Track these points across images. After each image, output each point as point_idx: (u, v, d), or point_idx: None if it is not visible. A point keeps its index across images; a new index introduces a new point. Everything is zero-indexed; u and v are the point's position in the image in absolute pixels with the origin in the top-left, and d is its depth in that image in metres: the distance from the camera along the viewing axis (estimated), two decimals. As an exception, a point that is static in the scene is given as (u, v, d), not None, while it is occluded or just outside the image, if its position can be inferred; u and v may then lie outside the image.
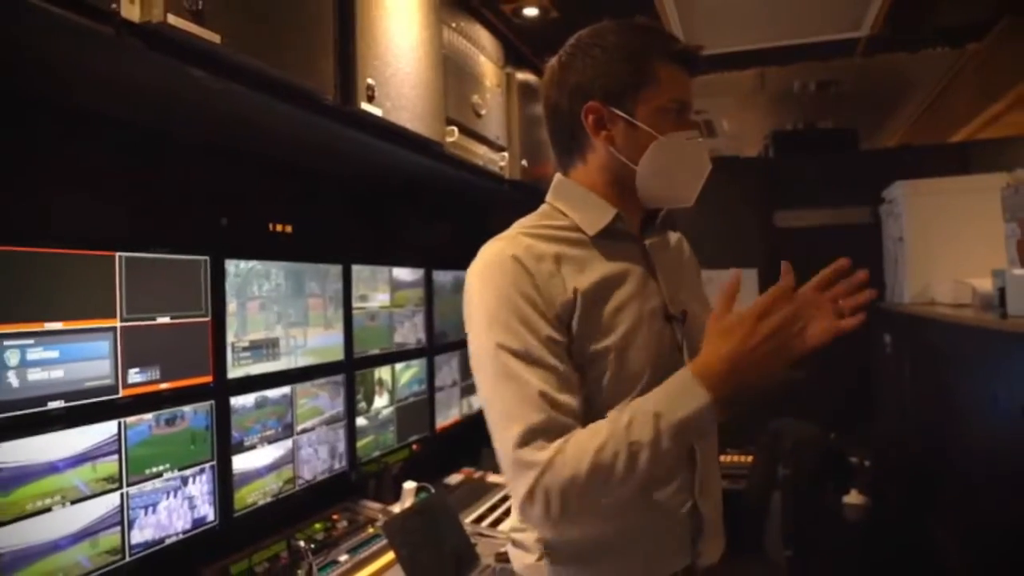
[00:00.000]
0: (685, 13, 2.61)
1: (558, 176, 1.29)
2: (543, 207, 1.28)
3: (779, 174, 3.64)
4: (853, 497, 2.61)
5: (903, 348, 2.77)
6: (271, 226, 2.09)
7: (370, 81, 1.68)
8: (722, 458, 1.62)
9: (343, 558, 1.90)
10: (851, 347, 3.14)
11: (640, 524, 1.15)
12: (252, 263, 1.95)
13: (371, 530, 2.08)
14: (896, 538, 2.51)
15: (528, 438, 1.02)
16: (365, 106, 1.66)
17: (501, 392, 1.06)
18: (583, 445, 1.01)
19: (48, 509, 1.39)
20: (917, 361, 2.56)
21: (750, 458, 2.84)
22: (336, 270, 2.31)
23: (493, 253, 1.14)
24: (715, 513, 1.25)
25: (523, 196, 2.81)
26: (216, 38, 1.22)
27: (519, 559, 1.21)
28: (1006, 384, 1.65)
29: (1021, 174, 2.18)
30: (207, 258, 1.81)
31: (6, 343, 1.33)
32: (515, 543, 1.24)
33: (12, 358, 1.34)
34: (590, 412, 1.09)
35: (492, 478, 2.70)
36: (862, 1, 2.60)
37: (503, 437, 1.05)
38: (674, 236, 1.39)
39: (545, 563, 1.17)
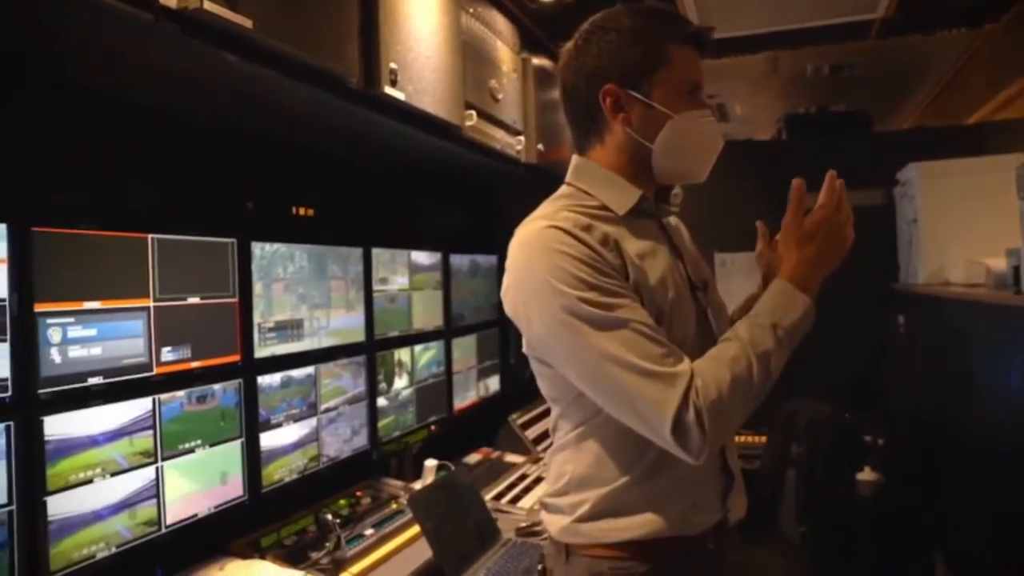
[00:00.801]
0: (701, 1, 2.62)
1: (577, 157, 1.32)
2: (565, 188, 1.31)
3: (792, 157, 3.65)
4: (867, 474, 2.64)
5: (917, 328, 2.79)
6: (294, 210, 2.14)
7: (393, 65, 1.71)
8: (736, 438, 1.64)
9: (368, 532, 1.96)
10: (864, 327, 3.18)
11: (682, 477, 1.16)
12: (277, 246, 2.00)
13: (394, 506, 2.14)
14: (909, 515, 2.55)
15: (655, 363, 1.05)
16: (388, 90, 1.69)
17: (603, 344, 1.06)
18: (716, 362, 1.08)
19: (90, 480, 1.45)
20: (931, 341, 2.59)
21: (763, 439, 2.87)
22: (357, 253, 2.36)
23: (537, 229, 1.15)
24: (738, 470, 1.30)
25: (539, 180, 2.83)
26: (248, 23, 1.26)
27: (554, 523, 1.25)
28: (1020, 360, 1.68)
29: (1036, 154, 2.19)
30: (234, 240, 1.86)
31: (49, 321, 1.39)
32: (548, 508, 1.28)
33: (55, 335, 1.40)
34: None
35: (509, 458, 2.75)
36: (877, -18, 2.61)
37: (626, 378, 1.05)
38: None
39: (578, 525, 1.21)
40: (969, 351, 2.17)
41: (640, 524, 1.17)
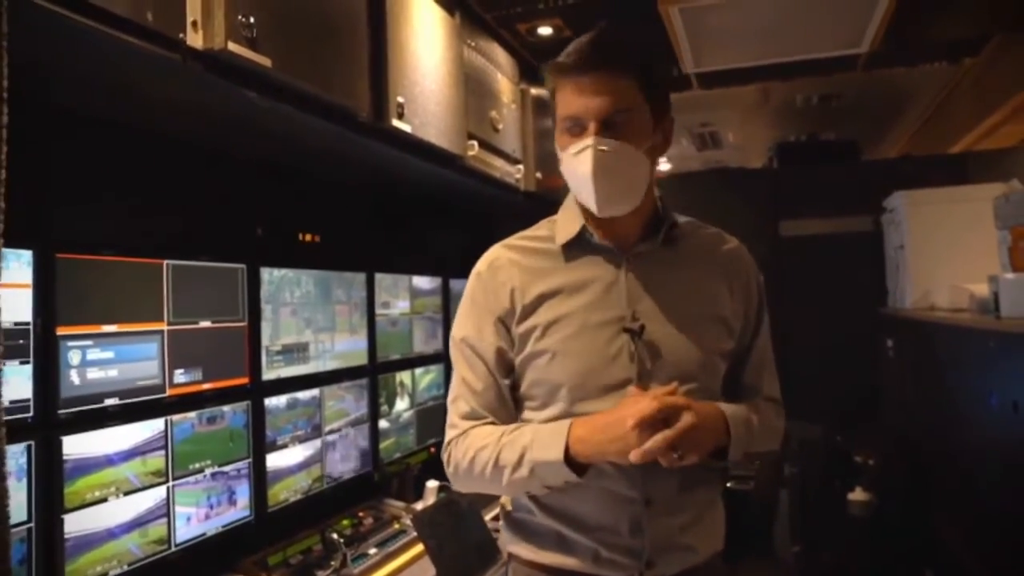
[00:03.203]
0: (692, 32, 2.72)
1: None
2: (550, 216, 1.37)
3: (784, 185, 3.74)
4: (858, 494, 2.69)
5: (905, 351, 2.86)
6: (301, 236, 2.20)
7: (400, 99, 1.79)
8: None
9: (372, 551, 2.00)
10: (855, 350, 3.25)
11: (584, 513, 1.22)
12: (284, 271, 2.06)
13: (396, 526, 2.17)
14: (901, 533, 2.59)
15: (456, 412, 1.29)
16: (396, 122, 1.77)
17: (455, 373, 1.32)
18: (475, 440, 1.23)
19: (105, 499, 1.49)
20: (918, 363, 2.66)
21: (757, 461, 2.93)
22: (360, 278, 2.42)
23: (478, 261, 1.34)
24: (677, 531, 1.22)
25: (536, 206, 2.91)
26: (268, 62, 1.33)
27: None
28: (1000, 382, 1.75)
29: (1015, 185, 2.28)
30: (244, 266, 1.92)
31: (70, 344, 1.44)
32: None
33: (74, 358, 1.45)
34: (531, 400, 1.27)
35: (508, 479, 2.78)
36: (862, 19, 2.71)
37: (449, 404, 1.32)
38: (698, 245, 1.31)
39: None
40: (955, 373, 2.24)
41: (536, 549, 1.26)
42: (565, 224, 1.29)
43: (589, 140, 1.16)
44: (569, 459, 1.15)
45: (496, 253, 1.32)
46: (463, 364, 1.30)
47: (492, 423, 1.26)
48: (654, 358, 1.20)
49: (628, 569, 1.20)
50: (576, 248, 1.27)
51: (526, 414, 1.27)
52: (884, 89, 3.89)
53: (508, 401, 1.28)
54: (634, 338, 1.20)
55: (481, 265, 1.31)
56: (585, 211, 1.27)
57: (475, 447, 1.22)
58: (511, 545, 1.32)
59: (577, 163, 1.18)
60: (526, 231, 1.35)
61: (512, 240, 1.33)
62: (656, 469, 1.14)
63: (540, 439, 1.18)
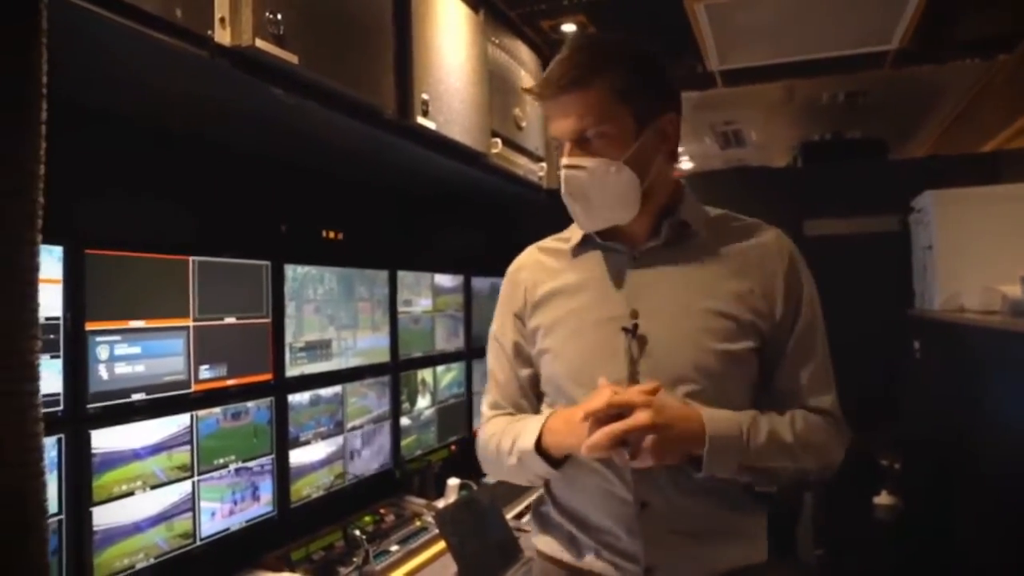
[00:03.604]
0: (718, 29, 2.69)
1: None
2: None
3: (808, 184, 3.70)
4: (883, 498, 2.65)
5: (933, 353, 2.82)
6: (325, 233, 2.21)
7: (425, 96, 1.79)
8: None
9: (394, 548, 2.00)
10: (880, 352, 3.21)
11: (587, 512, 1.25)
12: (307, 268, 2.07)
13: (418, 523, 2.18)
14: (927, 538, 2.56)
15: (485, 402, 1.42)
16: (420, 120, 1.77)
17: (488, 365, 1.44)
18: (491, 428, 1.34)
19: (132, 493, 1.50)
20: (947, 366, 2.61)
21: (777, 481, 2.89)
22: (383, 275, 2.42)
23: None
24: (678, 539, 1.20)
25: (559, 205, 2.90)
26: (295, 59, 1.34)
27: None
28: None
29: (1050, 183, 2.23)
30: (268, 263, 1.93)
31: (98, 339, 1.45)
32: None
33: (103, 353, 1.46)
34: (546, 395, 1.33)
35: (529, 478, 2.78)
36: (891, 15, 2.67)
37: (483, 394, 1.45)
38: (717, 242, 1.26)
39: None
40: (985, 377, 2.20)
41: (552, 544, 1.31)
42: (579, 228, 1.32)
43: (564, 160, 1.19)
44: (541, 449, 1.20)
45: (524, 253, 1.41)
46: (492, 357, 1.41)
47: (511, 414, 1.35)
48: (648, 357, 1.19)
49: (628, 572, 1.20)
50: (585, 248, 1.31)
51: (543, 408, 1.33)
52: (912, 86, 3.82)
53: (529, 393, 1.36)
54: (629, 337, 1.20)
55: (512, 264, 1.42)
56: None
57: (490, 435, 1.32)
58: (534, 537, 1.37)
59: (564, 181, 1.21)
60: (555, 234, 1.40)
61: (543, 241, 1.41)
62: (647, 472, 1.15)
63: (526, 428, 1.24)
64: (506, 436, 1.27)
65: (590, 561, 1.23)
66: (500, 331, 1.39)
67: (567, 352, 1.26)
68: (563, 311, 1.28)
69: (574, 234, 1.33)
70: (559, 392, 1.27)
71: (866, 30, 2.83)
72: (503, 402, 1.37)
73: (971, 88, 3.88)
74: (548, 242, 1.39)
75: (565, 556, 1.27)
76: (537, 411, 1.34)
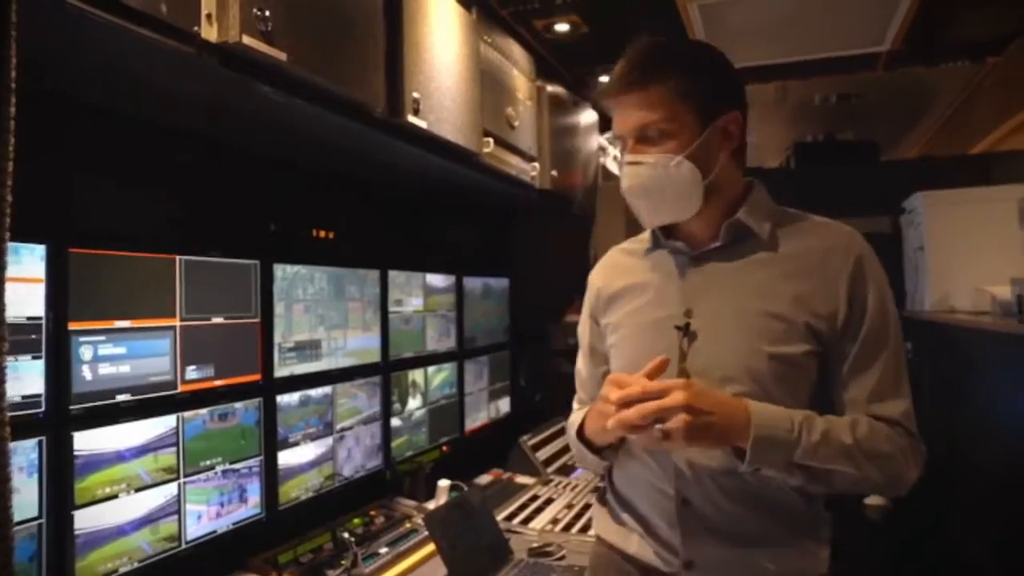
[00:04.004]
0: (712, 30, 2.69)
1: None
2: None
3: (801, 185, 3.70)
4: (874, 499, 2.65)
5: (923, 354, 2.82)
6: (315, 232, 2.19)
7: (416, 95, 1.77)
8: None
9: (383, 550, 1.98)
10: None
11: (635, 502, 1.33)
12: (297, 267, 2.05)
13: (408, 525, 2.16)
14: (918, 540, 2.56)
15: (575, 399, 1.52)
16: (411, 118, 1.75)
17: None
18: (571, 419, 1.44)
19: (116, 496, 1.48)
20: (937, 367, 2.62)
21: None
22: (374, 275, 2.40)
23: None
24: (717, 538, 1.22)
25: (552, 205, 2.89)
26: (283, 56, 1.32)
27: None
28: (1022, 386, 1.71)
29: (1041, 185, 2.23)
30: (257, 262, 1.90)
31: (82, 339, 1.43)
32: None
33: (86, 353, 1.44)
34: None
35: (520, 479, 2.77)
36: (884, 17, 2.67)
37: None
38: (780, 243, 1.26)
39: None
40: (976, 377, 2.20)
41: (610, 531, 1.38)
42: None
43: (626, 157, 1.24)
44: (583, 436, 1.33)
45: (608, 253, 1.49)
46: (578, 354, 1.52)
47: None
48: (698, 356, 1.21)
49: (670, 563, 1.25)
50: (654, 249, 1.37)
51: None
52: (904, 88, 3.84)
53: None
54: (680, 335, 1.23)
55: (598, 263, 1.50)
56: None
57: (568, 426, 1.44)
58: (595, 523, 1.46)
59: (622, 179, 1.26)
60: (642, 233, 1.44)
61: (624, 243, 1.48)
62: (691, 470, 1.21)
63: (577, 418, 1.38)
64: (571, 427, 1.40)
65: (637, 548, 1.30)
66: (581, 330, 1.49)
67: (626, 349, 1.33)
68: (628, 309, 1.35)
69: (648, 234, 1.39)
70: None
71: (858, 32, 2.84)
72: (584, 397, 1.49)
73: (961, 90, 3.90)
74: (627, 243, 1.46)
75: (617, 541, 1.35)
76: None
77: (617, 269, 1.41)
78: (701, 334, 1.22)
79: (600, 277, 1.44)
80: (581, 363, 1.49)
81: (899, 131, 4.88)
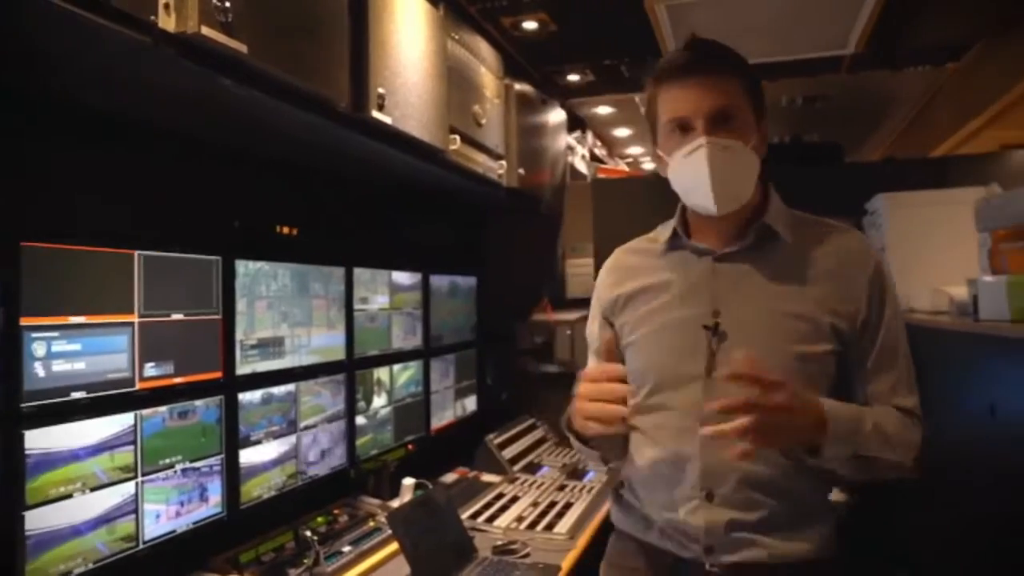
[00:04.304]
0: (678, 29, 2.70)
1: None
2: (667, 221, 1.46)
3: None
4: (835, 495, 2.69)
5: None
6: (279, 228, 2.16)
7: (381, 90, 1.76)
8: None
9: (346, 549, 1.97)
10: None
11: (654, 493, 1.34)
12: (260, 264, 2.02)
13: (371, 524, 2.15)
14: (877, 534, 2.60)
15: None
16: (376, 114, 1.74)
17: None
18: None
19: (70, 495, 1.45)
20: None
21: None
22: (339, 272, 2.38)
23: None
24: (740, 509, 1.25)
25: (519, 203, 2.89)
26: (243, 48, 1.30)
27: None
28: (977, 384, 1.75)
29: (995, 189, 2.28)
30: (219, 258, 1.88)
31: (34, 335, 1.40)
32: None
33: (39, 350, 1.41)
34: (631, 385, 1.31)
35: (486, 477, 2.77)
36: (847, 21, 2.72)
37: None
38: (802, 245, 1.31)
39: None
40: (934, 376, 2.24)
41: (629, 523, 1.40)
42: (669, 226, 1.40)
43: (701, 139, 1.22)
44: (572, 428, 1.33)
45: (614, 254, 1.51)
46: (588, 352, 1.54)
47: None
48: (726, 355, 1.24)
49: (690, 551, 1.27)
50: (673, 249, 1.38)
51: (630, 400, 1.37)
52: (868, 92, 3.91)
53: None
54: (709, 335, 1.25)
55: (604, 264, 1.51)
56: (683, 214, 1.38)
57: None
58: (612, 514, 1.48)
59: (690, 162, 1.23)
60: (648, 234, 1.48)
61: (631, 243, 1.50)
62: (717, 464, 1.23)
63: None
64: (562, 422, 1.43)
65: (658, 538, 1.32)
66: (589, 328, 1.53)
67: (650, 347, 1.33)
68: (649, 308, 1.35)
69: (661, 235, 1.41)
70: (641, 384, 1.32)
71: (823, 35, 2.88)
72: None
73: (923, 95, 3.98)
74: (636, 243, 1.48)
75: (636, 532, 1.37)
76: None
77: (630, 269, 1.43)
78: (730, 333, 1.25)
79: (611, 278, 1.45)
80: (589, 361, 1.52)
81: (863, 134, 4.98)
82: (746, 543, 1.25)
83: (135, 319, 1.63)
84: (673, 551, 1.30)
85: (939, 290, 2.39)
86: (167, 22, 1.18)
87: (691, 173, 1.24)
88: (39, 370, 1.40)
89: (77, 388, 1.48)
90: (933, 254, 2.71)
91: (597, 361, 1.45)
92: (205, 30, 1.20)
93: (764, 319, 1.26)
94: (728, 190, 1.24)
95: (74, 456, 1.46)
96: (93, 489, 1.50)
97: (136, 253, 1.63)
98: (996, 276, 1.72)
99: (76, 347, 1.48)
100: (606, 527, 2.34)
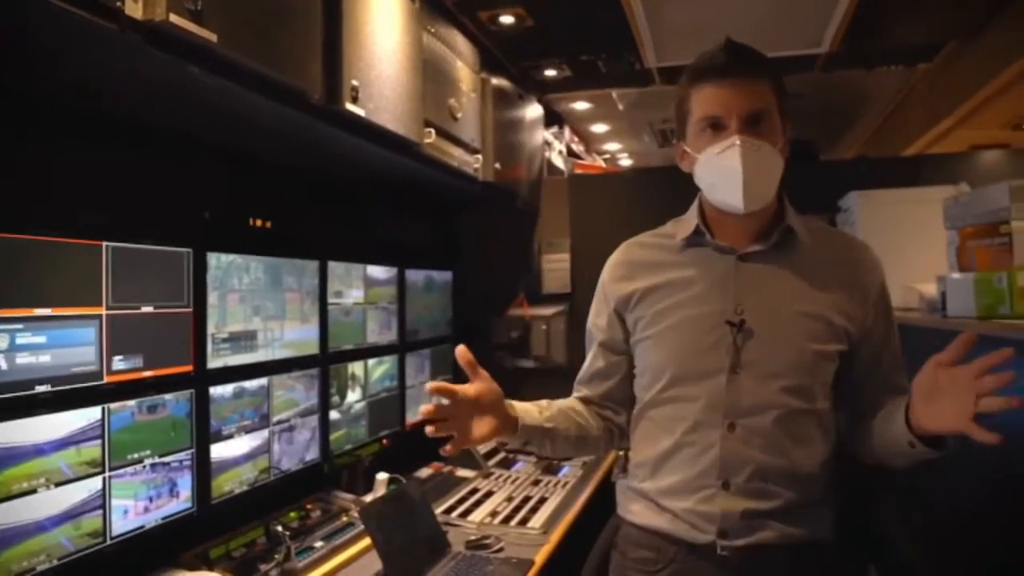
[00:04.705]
0: (655, 25, 2.71)
1: None
2: (677, 217, 1.48)
3: (742, 183, 3.77)
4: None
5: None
6: (252, 221, 2.14)
7: (354, 82, 1.74)
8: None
9: (318, 544, 1.95)
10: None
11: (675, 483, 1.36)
12: (232, 256, 2.00)
13: (345, 519, 2.14)
14: (845, 529, 2.63)
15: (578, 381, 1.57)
16: (349, 106, 1.72)
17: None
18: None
19: (34, 491, 1.42)
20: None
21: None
22: (313, 266, 2.36)
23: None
24: (754, 497, 1.29)
25: (495, 198, 2.89)
26: (213, 37, 1.28)
27: None
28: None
29: (964, 188, 2.32)
30: (190, 250, 1.85)
31: (-3, 327, 1.37)
32: None
33: (1, 342, 1.38)
34: (640, 379, 1.43)
35: (461, 472, 2.76)
36: (821, 19, 2.74)
37: None
38: (818, 250, 1.36)
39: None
40: (908, 371, 2.27)
41: (639, 512, 1.41)
42: (687, 223, 1.41)
43: (735, 138, 1.25)
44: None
45: (622, 248, 1.51)
46: (588, 340, 1.54)
47: (583, 396, 1.53)
48: (750, 351, 1.30)
49: (704, 535, 1.30)
50: (693, 245, 1.40)
51: (637, 392, 1.45)
52: (843, 91, 3.95)
53: (610, 383, 1.50)
54: (734, 331, 1.29)
55: (610, 258, 1.51)
56: (703, 211, 1.40)
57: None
58: (619, 507, 1.49)
59: (721, 160, 1.27)
60: (657, 229, 1.49)
61: (641, 236, 1.50)
62: (737, 454, 1.28)
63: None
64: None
65: (670, 525, 1.34)
66: (592, 323, 1.52)
67: (670, 341, 1.36)
68: (668, 303, 1.37)
69: (679, 230, 1.42)
70: (657, 377, 1.37)
71: (798, 33, 2.91)
72: (580, 385, 1.55)
73: (895, 95, 4.03)
74: (647, 238, 1.49)
75: (647, 521, 1.39)
76: (611, 393, 1.51)
77: (645, 265, 1.44)
78: (753, 330, 1.30)
79: (621, 272, 1.46)
80: (593, 358, 1.52)
81: (838, 132, 5.03)
82: (758, 527, 1.29)
83: (103, 311, 1.60)
84: (684, 537, 1.33)
85: (910, 287, 2.42)
86: (134, 9, 1.16)
87: (722, 171, 1.28)
88: (2, 363, 1.38)
89: (42, 381, 1.45)
90: (904, 251, 2.74)
91: (601, 354, 1.50)
92: (173, 18, 1.18)
93: (784, 317, 1.32)
94: (756, 190, 1.28)
95: (38, 451, 1.43)
96: (58, 484, 1.47)
97: (104, 244, 1.61)
98: (963, 273, 1.75)
99: (41, 339, 1.46)
100: (580, 522, 2.36)
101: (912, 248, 2.71)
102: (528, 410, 1.41)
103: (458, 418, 1.29)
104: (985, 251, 1.65)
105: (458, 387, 1.29)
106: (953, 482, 1.77)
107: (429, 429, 1.28)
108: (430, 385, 1.28)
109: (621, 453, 1.53)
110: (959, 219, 1.81)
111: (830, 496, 1.38)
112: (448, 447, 1.28)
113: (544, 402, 1.46)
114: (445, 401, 1.26)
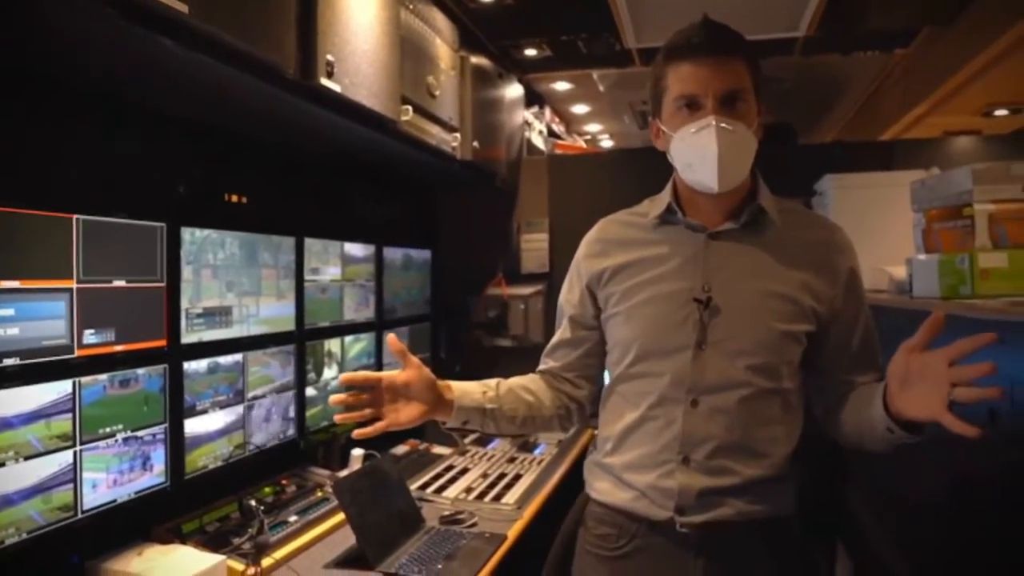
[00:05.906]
0: (634, 6, 2.71)
1: None
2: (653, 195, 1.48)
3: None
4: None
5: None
6: (227, 196, 2.12)
7: (330, 57, 1.73)
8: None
9: (292, 518, 1.97)
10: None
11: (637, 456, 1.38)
12: (208, 232, 1.99)
13: (319, 494, 2.15)
14: (816, 508, 2.69)
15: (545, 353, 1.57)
16: (324, 81, 1.71)
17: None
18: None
19: (1, 464, 1.42)
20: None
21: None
22: (289, 242, 2.36)
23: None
24: (714, 472, 1.30)
25: (474, 177, 2.88)
26: (184, 8, 1.26)
27: None
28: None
29: (935, 172, 2.35)
30: (164, 225, 1.84)
31: (-35, 299, 1.36)
32: None
33: (-30, 314, 1.37)
34: (610, 355, 1.44)
35: (437, 449, 2.79)
36: (798, 3, 2.75)
37: None
38: (788, 230, 1.37)
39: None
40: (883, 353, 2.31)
41: (603, 490, 1.42)
42: (660, 201, 1.42)
43: (711, 118, 1.25)
44: None
45: (598, 226, 1.51)
46: (557, 320, 1.55)
47: (545, 368, 1.55)
48: (717, 328, 1.31)
49: (664, 508, 1.32)
50: (665, 223, 1.40)
51: (608, 368, 1.47)
52: (820, 75, 3.97)
53: (574, 354, 1.51)
54: (701, 308, 1.30)
55: (587, 235, 1.51)
56: (676, 189, 1.40)
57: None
58: (587, 486, 1.49)
59: (697, 140, 1.27)
60: (633, 207, 1.49)
61: (617, 214, 1.50)
62: (698, 429, 1.30)
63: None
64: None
65: (632, 502, 1.36)
66: (566, 300, 1.52)
67: (639, 317, 1.37)
68: (639, 279, 1.38)
69: (652, 208, 1.43)
70: (625, 353, 1.38)
71: (776, 16, 2.92)
72: (547, 358, 1.55)
73: (872, 80, 4.07)
74: (622, 215, 1.49)
75: (610, 500, 1.40)
76: (572, 365, 1.52)
77: (618, 242, 1.44)
78: (720, 308, 1.31)
79: (596, 249, 1.47)
80: (562, 331, 1.53)
81: (816, 116, 5.06)
82: (716, 503, 1.30)
83: (74, 284, 1.59)
84: (644, 514, 1.34)
85: (880, 269, 2.46)
86: (102, -22, 1.14)
87: (697, 150, 1.28)
88: (-30, 335, 1.37)
89: (10, 355, 1.44)
90: (876, 234, 2.77)
91: (570, 328, 1.51)
92: (143, -13, 1.17)
93: (752, 296, 1.32)
94: (730, 170, 1.28)
95: (6, 424, 1.43)
96: (27, 458, 1.47)
97: (75, 217, 1.59)
98: (929, 255, 1.78)
99: (9, 312, 1.44)
100: (554, 499, 2.39)
101: (884, 231, 2.74)
102: (468, 391, 1.43)
103: (381, 403, 1.35)
104: (949, 233, 1.68)
105: (383, 374, 1.36)
106: (920, 458, 1.81)
107: (338, 416, 1.33)
108: (343, 377, 1.34)
109: (596, 432, 1.54)
110: (925, 202, 1.84)
111: (793, 473, 1.38)
112: (368, 429, 1.33)
113: (493, 381, 1.48)
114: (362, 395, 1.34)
